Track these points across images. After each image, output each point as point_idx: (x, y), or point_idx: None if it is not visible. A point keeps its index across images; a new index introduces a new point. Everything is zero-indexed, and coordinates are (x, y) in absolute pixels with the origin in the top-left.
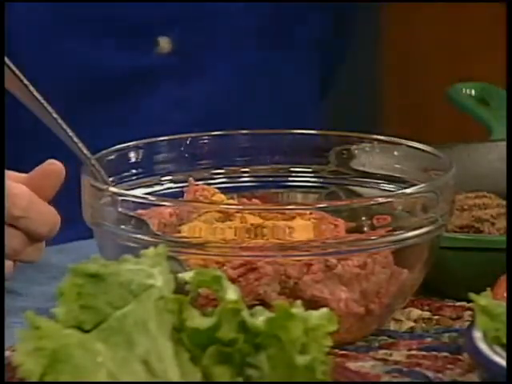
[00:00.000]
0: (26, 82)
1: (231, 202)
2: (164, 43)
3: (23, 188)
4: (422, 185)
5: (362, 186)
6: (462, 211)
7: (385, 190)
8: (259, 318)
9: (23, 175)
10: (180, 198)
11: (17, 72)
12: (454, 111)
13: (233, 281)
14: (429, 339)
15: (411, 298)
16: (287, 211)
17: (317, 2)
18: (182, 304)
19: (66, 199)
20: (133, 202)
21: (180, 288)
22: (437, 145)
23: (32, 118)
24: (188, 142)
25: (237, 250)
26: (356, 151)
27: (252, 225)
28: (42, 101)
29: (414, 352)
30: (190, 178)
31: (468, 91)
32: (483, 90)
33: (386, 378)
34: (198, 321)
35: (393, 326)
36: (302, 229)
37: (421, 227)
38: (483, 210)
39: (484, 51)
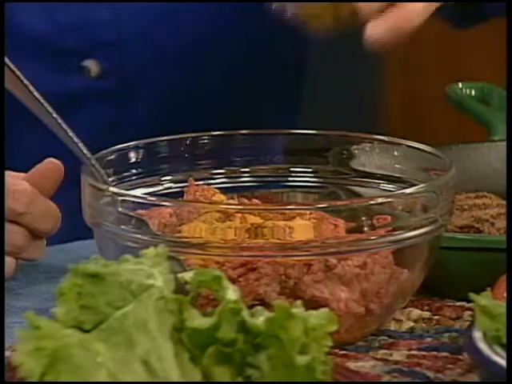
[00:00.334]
0: (26, 81)
1: (231, 201)
2: (93, 66)
3: (26, 185)
4: (422, 185)
5: (361, 186)
6: (462, 211)
7: (385, 189)
8: (259, 318)
9: (22, 174)
10: (180, 198)
11: (17, 72)
12: (453, 111)
13: (233, 281)
14: (429, 339)
15: (411, 298)
16: (287, 211)
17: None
18: (182, 304)
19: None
20: (133, 202)
21: (180, 288)
22: (437, 145)
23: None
24: (188, 142)
25: (237, 250)
26: (356, 151)
27: (252, 225)
28: (42, 101)
29: (414, 352)
30: (190, 178)
31: (468, 91)
32: (483, 89)
33: (386, 378)
34: (197, 321)
35: (393, 326)
36: (302, 229)
37: (421, 227)
38: (483, 210)
39: (484, 51)
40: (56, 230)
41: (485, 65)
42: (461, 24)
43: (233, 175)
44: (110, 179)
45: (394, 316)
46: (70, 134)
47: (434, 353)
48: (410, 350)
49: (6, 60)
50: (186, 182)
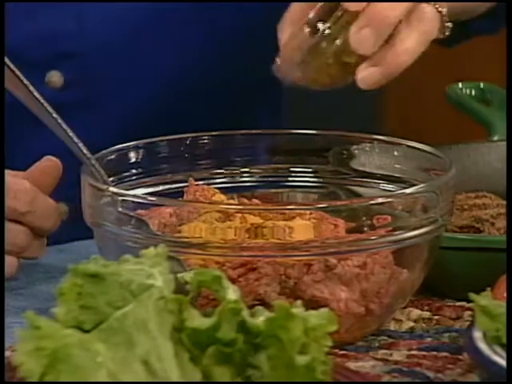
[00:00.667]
0: (26, 81)
1: (231, 201)
2: (56, 78)
3: (27, 184)
4: (422, 185)
5: (361, 186)
6: (462, 211)
7: (385, 189)
8: (259, 318)
9: (22, 173)
10: (180, 198)
11: (17, 72)
12: (453, 111)
13: (233, 281)
14: (429, 339)
15: (411, 298)
16: (287, 211)
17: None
18: (182, 304)
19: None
20: (133, 202)
21: (180, 288)
22: (437, 145)
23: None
24: (188, 142)
25: (237, 249)
26: (356, 151)
27: (252, 225)
28: (42, 101)
29: (414, 352)
30: (190, 178)
31: (468, 91)
32: (483, 89)
33: (386, 378)
34: (197, 321)
35: (393, 326)
36: (301, 229)
37: (421, 227)
38: (483, 210)
39: (484, 51)
40: (56, 228)
41: (485, 65)
42: (444, 43)
43: (233, 175)
44: (110, 179)
45: (394, 316)
46: (70, 133)
47: (434, 353)
48: (410, 350)
49: (6, 60)
50: (186, 182)
